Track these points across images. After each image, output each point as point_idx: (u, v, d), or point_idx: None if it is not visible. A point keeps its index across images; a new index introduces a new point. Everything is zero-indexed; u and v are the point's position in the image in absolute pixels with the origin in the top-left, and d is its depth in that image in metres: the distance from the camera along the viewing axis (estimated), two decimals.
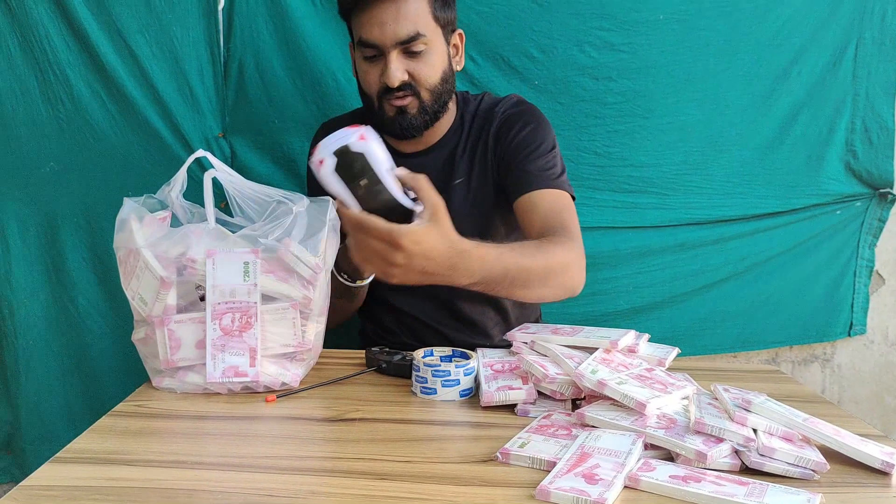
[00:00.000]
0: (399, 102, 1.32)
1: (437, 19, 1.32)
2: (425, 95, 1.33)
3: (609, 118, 1.70)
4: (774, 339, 1.86)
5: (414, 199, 0.98)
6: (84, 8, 1.56)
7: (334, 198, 0.96)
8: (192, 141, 1.62)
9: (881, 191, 1.80)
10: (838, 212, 1.81)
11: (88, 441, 0.90)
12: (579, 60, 1.67)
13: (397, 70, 1.29)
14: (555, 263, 1.18)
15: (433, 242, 0.97)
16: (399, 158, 1.39)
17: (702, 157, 1.74)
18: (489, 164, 1.42)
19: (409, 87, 1.32)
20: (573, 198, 1.37)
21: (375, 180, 0.93)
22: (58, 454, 0.86)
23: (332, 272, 1.25)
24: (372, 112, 1.36)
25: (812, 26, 1.71)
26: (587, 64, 1.68)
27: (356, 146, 0.92)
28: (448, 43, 1.37)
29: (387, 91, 1.32)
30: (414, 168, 1.26)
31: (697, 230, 1.77)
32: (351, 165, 0.91)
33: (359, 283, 1.34)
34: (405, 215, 0.96)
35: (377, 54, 1.31)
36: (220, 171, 1.12)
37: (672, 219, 1.75)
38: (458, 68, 1.41)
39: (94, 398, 1.72)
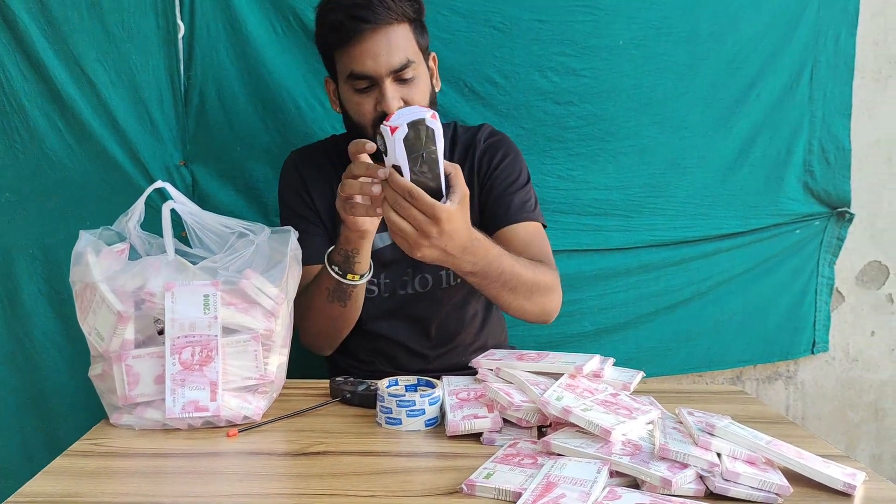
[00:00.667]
0: None
1: (419, 45, 1.36)
2: None
3: (571, 142, 1.72)
4: (739, 359, 1.88)
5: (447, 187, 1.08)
6: (41, 37, 1.54)
7: (394, 166, 1.04)
8: (153, 170, 1.60)
9: (839, 210, 1.84)
10: (798, 231, 1.84)
11: (43, 484, 0.88)
12: (541, 85, 1.69)
13: (394, 98, 1.31)
14: (542, 281, 1.31)
15: (460, 223, 1.08)
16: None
17: (664, 179, 1.76)
18: (474, 185, 1.44)
19: None
20: (545, 226, 1.45)
21: (433, 157, 1.03)
22: (10, 498, 0.83)
23: (324, 267, 1.30)
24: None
25: (769, 50, 1.75)
26: (549, 89, 1.69)
27: (430, 122, 1.02)
28: (427, 66, 1.41)
29: (382, 118, 1.30)
30: None
31: (661, 251, 1.79)
32: (419, 137, 1.01)
33: (349, 280, 1.31)
34: (437, 196, 1.05)
35: (369, 85, 1.32)
36: (179, 202, 1.10)
37: (636, 241, 1.77)
38: (437, 89, 1.44)
39: (51, 434, 1.68)
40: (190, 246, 1.18)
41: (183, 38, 1.59)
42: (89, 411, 1.09)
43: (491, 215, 1.42)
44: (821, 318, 1.89)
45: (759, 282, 1.84)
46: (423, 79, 1.37)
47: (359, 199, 1.13)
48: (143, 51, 1.59)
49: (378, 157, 1.08)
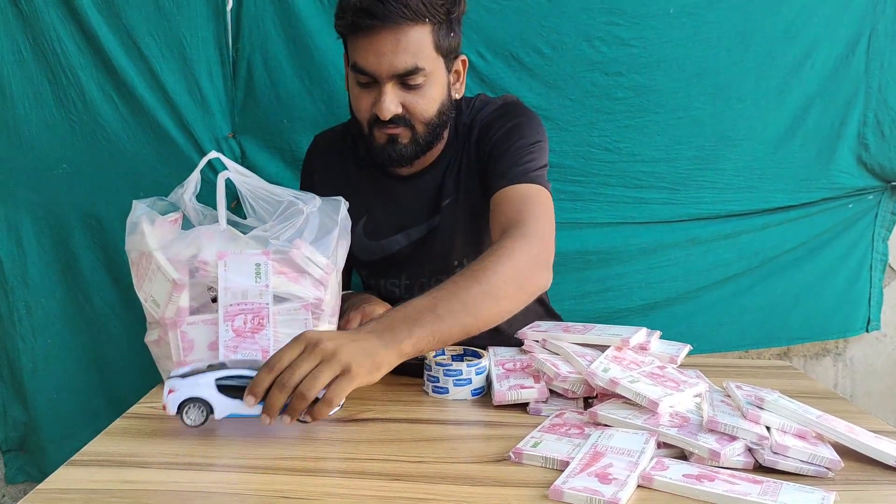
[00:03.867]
0: (391, 131, 1.25)
1: (439, 49, 1.23)
2: (419, 128, 1.26)
3: (619, 113, 1.69)
4: (793, 336, 1.85)
5: None
6: (94, 11, 1.57)
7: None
8: (203, 142, 1.63)
9: (893, 184, 1.79)
10: (850, 205, 1.80)
11: (104, 444, 0.91)
12: (589, 56, 1.66)
13: (391, 104, 1.21)
14: (496, 276, 1.08)
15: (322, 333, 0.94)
16: (394, 183, 1.38)
17: (713, 152, 1.73)
18: (474, 177, 1.35)
19: (401, 119, 1.24)
20: (548, 189, 1.29)
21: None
22: (73, 457, 0.86)
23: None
24: (361, 136, 1.29)
25: (825, 19, 1.70)
26: (597, 59, 1.67)
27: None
28: (449, 71, 1.28)
29: (378, 120, 1.24)
30: (407, 192, 1.23)
31: (709, 225, 1.76)
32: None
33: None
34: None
35: (371, 82, 1.22)
36: (233, 171, 1.12)
37: (683, 214, 1.75)
38: (458, 96, 1.34)
39: (112, 395, 1.74)
40: (242, 217, 1.21)
41: (231, 10, 1.60)
42: (147, 374, 1.13)
43: (485, 185, 1.30)
44: (875, 296, 1.84)
45: (813, 257, 1.79)
46: (435, 87, 1.25)
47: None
48: (193, 24, 1.60)
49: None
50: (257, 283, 1.07)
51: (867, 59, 1.73)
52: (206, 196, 1.21)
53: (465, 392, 1.09)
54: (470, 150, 1.35)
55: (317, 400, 0.89)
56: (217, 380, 0.91)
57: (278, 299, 1.09)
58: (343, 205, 1.17)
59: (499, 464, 0.88)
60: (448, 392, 1.09)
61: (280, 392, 0.88)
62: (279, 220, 1.11)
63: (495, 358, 1.17)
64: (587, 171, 1.69)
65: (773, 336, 1.83)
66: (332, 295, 1.13)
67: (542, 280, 1.17)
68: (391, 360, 0.95)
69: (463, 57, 1.32)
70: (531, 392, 1.05)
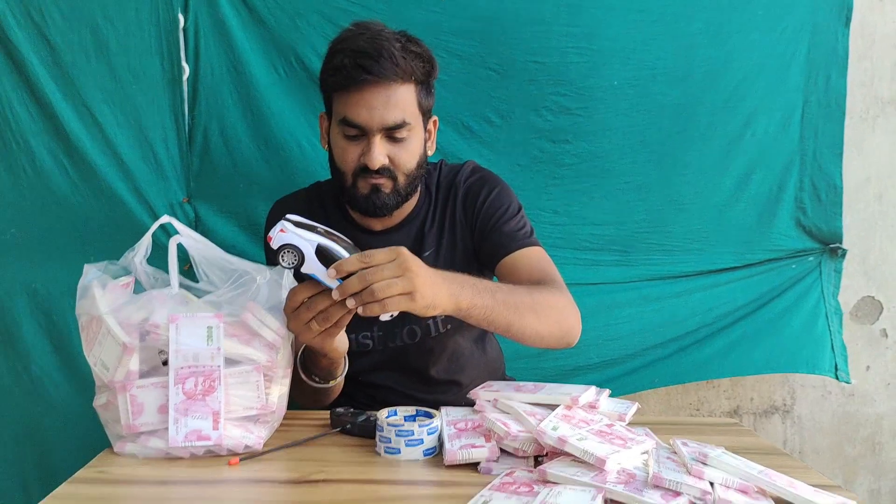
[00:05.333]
0: (375, 181, 1.33)
1: (420, 107, 1.34)
2: (401, 179, 1.34)
3: (567, 178, 1.75)
4: (760, 366, 1.88)
5: None
6: (48, 79, 1.59)
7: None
8: (157, 207, 1.64)
9: (831, 245, 1.87)
10: (794, 266, 1.87)
11: None
12: (537, 124, 1.74)
13: (380, 154, 1.30)
14: (546, 300, 1.26)
15: (412, 256, 1.08)
16: (369, 236, 1.42)
17: (660, 216, 1.80)
18: (458, 233, 1.44)
19: (387, 170, 1.33)
20: None
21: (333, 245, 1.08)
22: None
23: (301, 377, 1.27)
24: (344, 188, 1.37)
25: (762, 91, 1.80)
26: (545, 127, 1.74)
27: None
28: (425, 129, 1.39)
29: (364, 170, 1.32)
30: (383, 245, 1.29)
31: (660, 285, 1.82)
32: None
33: (331, 384, 1.30)
34: None
35: (359, 135, 1.31)
36: (186, 235, 1.13)
37: (634, 275, 1.80)
38: (430, 153, 1.43)
39: (47, 469, 1.69)
40: (194, 281, 1.21)
41: (188, 79, 1.64)
42: (83, 448, 1.10)
43: (488, 252, 1.42)
44: (837, 344, 1.86)
45: (765, 309, 1.85)
46: (416, 141, 1.36)
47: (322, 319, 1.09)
48: (149, 92, 1.63)
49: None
50: (209, 346, 1.07)
51: (802, 128, 1.83)
52: (159, 260, 1.20)
53: (417, 452, 1.09)
54: (455, 209, 1.45)
55: None
56: (319, 245, 1.05)
57: (230, 362, 1.09)
58: (287, 273, 1.17)
59: None
60: (400, 452, 1.09)
61: (359, 281, 1.03)
62: (232, 287, 1.12)
63: (447, 418, 1.18)
64: (539, 235, 1.70)
65: (739, 366, 1.86)
66: (283, 357, 1.13)
67: (575, 324, 1.32)
68: (446, 307, 1.12)
69: (435, 118, 1.44)
70: (482, 451, 1.06)
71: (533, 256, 1.39)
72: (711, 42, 1.76)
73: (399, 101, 1.30)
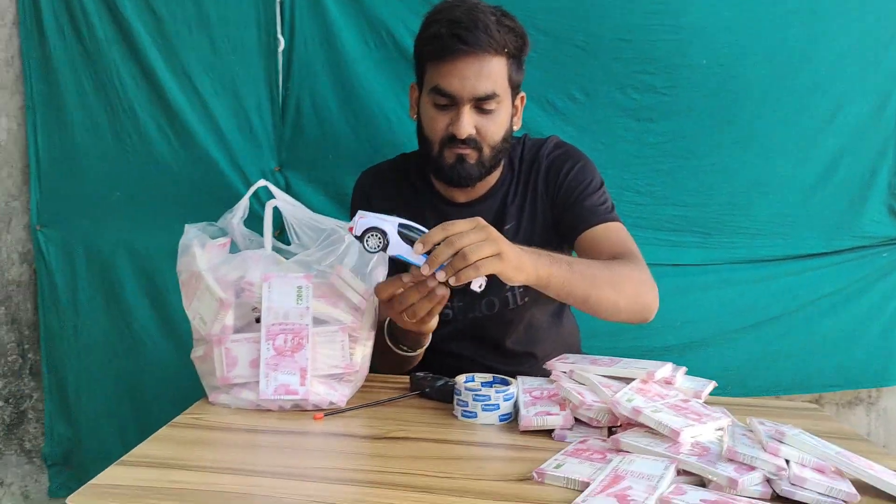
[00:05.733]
0: (461, 151, 1.36)
1: (510, 81, 1.37)
2: (486, 151, 1.37)
3: (651, 158, 1.74)
4: (827, 383, 1.84)
5: None
6: (154, 50, 1.67)
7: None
8: (250, 174, 1.71)
9: None
10: (885, 254, 1.81)
11: (150, 448, 0.97)
12: (621, 102, 1.73)
13: (468, 124, 1.33)
14: (624, 273, 1.28)
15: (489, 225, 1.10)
16: (453, 208, 1.45)
17: (744, 199, 1.77)
18: (539, 207, 1.46)
19: (473, 141, 1.35)
20: None
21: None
22: (122, 458, 0.92)
23: (387, 344, 1.30)
24: (430, 157, 1.40)
25: (855, 72, 1.74)
26: (629, 106, 1.73)
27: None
28: (512, 103, 1.41)
29: (451, 140, 1.35)
30: (467, 216, 1.32)
31: (741, 269, 1.79)
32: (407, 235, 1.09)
33: (417, 352, 1.34)
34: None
35: (449, 104, 1.34)
36: (280, 199, 1.19)
37: (715, 258, 1.78)
38: (516, 128, 1.45)
39: (143, 421, 1.80)
40: (286, 244, 1.27)
41: (283, 51, 1.70)
42: (178, 406, 1.18)
43: (569, 225, 1.43)
44: None
45: (847, 304, 1.80)
46: (504, 114, 1.38)
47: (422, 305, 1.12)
48: (246, 64, 1.70)
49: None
50: (298, 305, 1.12)
51: None
52: (251, 226, 1.28)
53: (492, 417, 1.13)
54: (536, 183, 1.47)
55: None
56: (399, 225, 1.07)
57: (317, 321, 1.14)
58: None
59: (522, 483, 0.91)
60: (476, 416, 1.13)
61: (448, 247, 1.04)
62: (321, 247, 1.17)
63: (523, 386, 1.21)
64: (619, 213, 1.71)
65: (805, 383, 1.83)
66: (368, 319, 1.18)
67: (653, 300, 1.32)
68: (529, 272, 1.13)
69: (522, 94, 1.46)
70: (556, 419, 1.08)
71: (613, 231, 1.40)
72: (803, 22, 1.71)
73: (491, 72, 1.32)
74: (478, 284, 1.08)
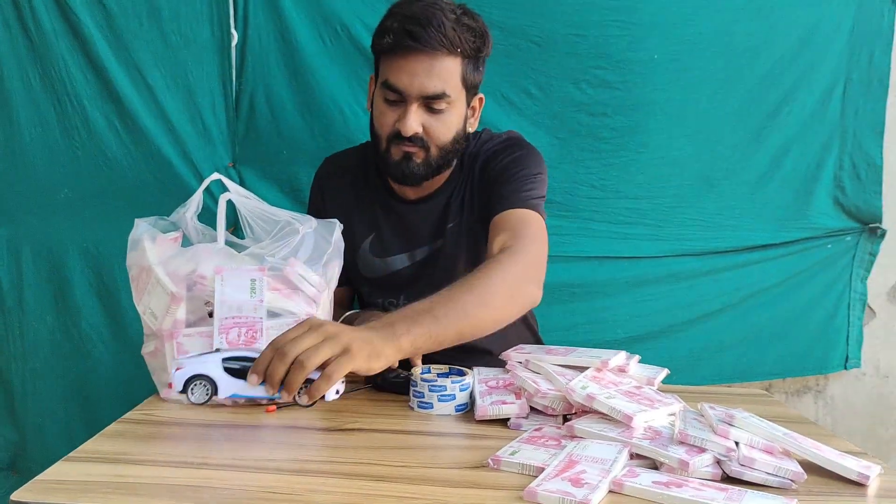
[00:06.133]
0: (407, 149, 1.34)
1: (464, 82, 1.34)
2: (433, 151, 1.35)
3: (604, 152, 1.77)
4: (771, 371, 1.90)
5: None
6: (103, 43, 1.64)
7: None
8: (203, 170, 1.69)
9: (870, 225, 1.86)
10: (829, 245, 1.86)
11: (100, 443, 0.95)
12: (575, 97, 1.75)
13: (414, 122, 1.31)
14: (488, 282, 1.16)
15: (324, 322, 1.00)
16: (404, 205, 1.45)
17: (693, 191, 1.80)
18: (476, 201, 1.44)
19: (420, 140, 1.33)
20: (544, 218, 1.37)
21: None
22: (70, 454, 0.90)
23: None
24: (378, 152, 1.38)
25: (802, 67, 1.79)
26: (583, 101, 1.75)
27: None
28: (468, 105, 1.39)
29: (397, 137, 1.34)
30: (414, 215, 1.30)
31: (691, 261, 1.82)
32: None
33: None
34: None
35: (398, 100, 1.32)
36: (234, 192, 1.18)
37: (666, 250, 1.81)
38: (471, 130, 1.44)
39: (92, 422, 1.75)
40: (241, 238, 1.26)
41: (236, 46, 1.68)
42: (130, 402, 1.16)
43: (485, 215, 1.38)
44: (854, 334, 1.90)
45: (791, 295, 1.86)
46: (454, 115, 1.35)
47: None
48: (198, 58, 1.68)
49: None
50: (252, 298, 1.11)
51: (843, 105, 1.82)
52: (205, 221, 1.27)
53: (448, 408, 1.13)
54: (474, 177, 1.43)
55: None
56: (224, 360, 0.96)
57: (271, 314, 1.13)
58: (337, 227, 1.22)
59: (478, 470, 0.91)
60: (432, 407, 1.13)
61: (280, 362, 0.93)
62: (275, 239, 1.16)
63: (479, 376, 1.21)
64: (573, 207, 1.76)
65: (750, 371, 1.88)
66: (323, 312, 1.17)
67: (532, 294, 1.24)
68: (389, 353, 1.01)
69: (481, 95, 1.44)
70: (512, 407, 1.09)
71: (513, 218, 1.32)
72: (753, 17, 1.75)
73: (442, 71, 1.30)
74: (334, 391, 0.98)
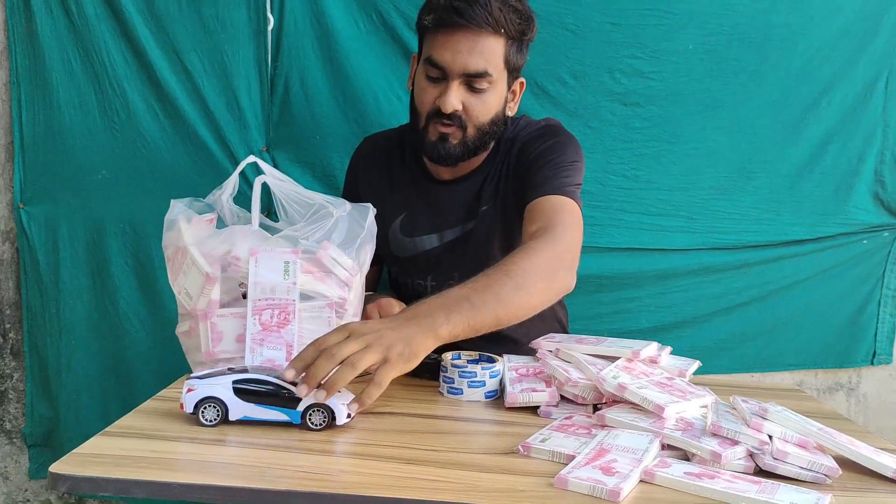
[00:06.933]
0: (444, 129, 1.34)
1: (507, 63, 1.33)
2: (471, 131, 1.35)
3: (637, 142, 1.75)
4: (795, 362, 1.88)
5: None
6: (143, 27, 1.66)
7: None
8: (238, 153, 1.70)
9: None
10: (865, 241, 1.83)
11: (134, 420, 0.96)
12: (610, 86, 1.73)
13: (454, 99, 1.30)
14: (525, 267, 1.14)
15: (365, 322, 1.03)
16: (437, 185, 1.45)
17: (729, 183, 1.78)
18: (509, 188, 1.43)
19: (458, 118, 1.33)
20: (580, 206, 1.34)
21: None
22: (106, 429, 0.91)
23: None
24: (416, 130, 1.38)
25: (842, 59, 1.76)
26: (617, 90, 1.73)
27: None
28: (509, 87, 1.38)
29: (437, 114, 1.33)
30: (446, 195, 1.27)
31: (723, 255, 1.80)
32: None
33: None
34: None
35: (440, 77, 1.32)
36: (270, 175, 1.19)
37: (698, 243, 1.79)
38: (510, 114, 1.43)
39: (127, 399, 1.78)
40: (274, 221, 1.27)
41: (272, 30, 1.68)
42: (162, 380, 1.17)
43: (521, 197, 1.36)
44: (884, 330, 1.87)
45: (821, 288, 1.83)
46: (495, 96, 1.34)
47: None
48: (235, 42, 1.69)
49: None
50: (285, 280, 1.12)
51: (885, 98, 1.78)
52: (240, 203, 1.28)
53: (478, 394, 1.13)
54: (510, 162, 1.42)
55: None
56: (234, 382, 0.96)
57: (304, 297, 1.14)
58: (371, 211, 1.23)
59: (508, 456, 0.91)
60: (462, 393, 1.13)
61: (327, 361, 0.92)
62: (309, 222, 1.17)
63: (509, 363, 1.21)
64: (606, 197, 1.74)
65: (775, 361, 1.86)
66: (355, 295, 1.18)
67: (567, 279, 1.22)
68: (428, 345, 1.00)
69: (522, 80, 1.42)
70: (542, 395, 1.09)
71: (547, 205, 1.29)
72: (791, 8, 1.72)
73: (485, 50, 1.29)
74: (346, 415, 0.96)
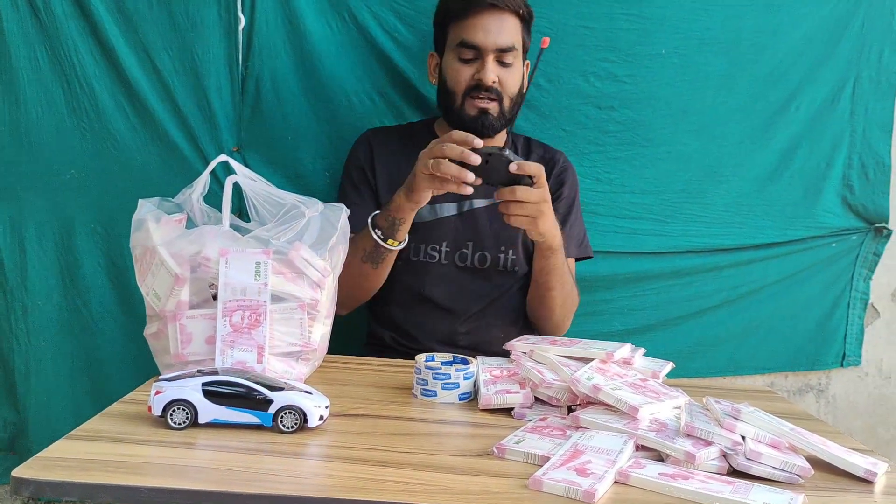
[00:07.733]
0: (482, 104, 1.48)
1: (523, 41, 1.52)
2: (506, 102, 1.49)
3: (610, 146, 1.76)
4: (765, 365, 1.90)
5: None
6: (112, 25, 1.62)
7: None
8: (209, 153, 1.67)
9: (877, 225, 1.85)
10: (834, 244, 1.86)
11: (101, 423, 0.94)
12: (583, 90, 1.74)
13: (492, 72, 1.46)
14: (571, 293, 1.53)
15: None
16: None
17: (700, 186, 1.79)
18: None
19: (496, 91, 1.48)
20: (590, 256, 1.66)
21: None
22: (71, 432, 0.89)
23: (366, 228, 1.38)
24: (451, 111, 1.51)
25: (810, 64, 1.78)
26: (591, 93, 1.74)
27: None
28: (523, 64, 1.54)
29: (475, 89, 1.47)
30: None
31: (694, 258, 1.82)
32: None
33: (388, 245, 1.38)
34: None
35: (474, 57, 1.47)
36: (241, 174, 1.17)
37: (670, 246, 1.80)
38: (524, 91, 1.53)
39: (101, 399, 1.74)
40: (245, 221, 1.25)
41: (243, 29, 1.66)
42: (138, 381, 1.15)
43: None
44: (853, 332, 1.89)
45: (791, 292, 1.86)
46: (519, 71, 1.51)
47: (452, 169, 1.22)
48: (205, 41, 1.66)
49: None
50: (256, 281, 1.10)
51: (852, 104, 1.82)
52: (210, 203, 1.26)
53: (452, 396, 1.12)
54: (549, 171, 1.56)
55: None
56: (204, 384, 0.94)
57: (275, 298, 1.12)
58: (344, 212, 1.21)
59: (482, 458, 0.91)
60: (436, 395, 1.12)
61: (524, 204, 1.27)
62: (281, 222, 1.16)
63: (483, 365, 1.21)
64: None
65: (746, 365, 1.89)
66: (327, 297, 1.17)
67: (569, 319, 1.59)
68: (556, 233, 1.39)
69: (528, 61, 1.57)
70: (516, 397, 1.08)
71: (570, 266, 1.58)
72: (761, 13, 1.74)
73: (510, 27, 1.48)
74: (318, 417, 0.95)
